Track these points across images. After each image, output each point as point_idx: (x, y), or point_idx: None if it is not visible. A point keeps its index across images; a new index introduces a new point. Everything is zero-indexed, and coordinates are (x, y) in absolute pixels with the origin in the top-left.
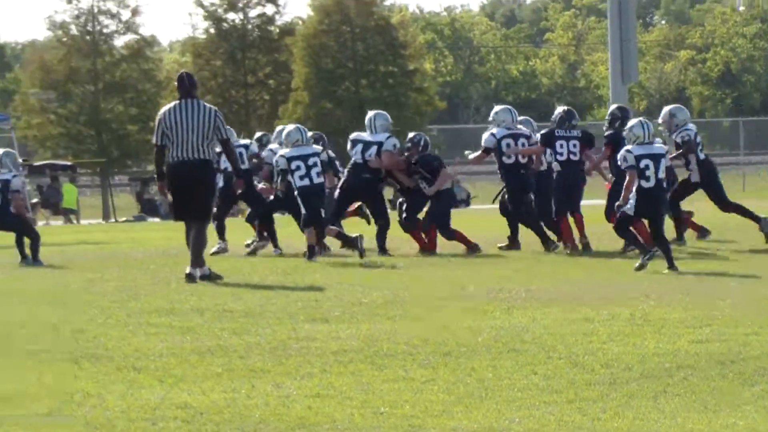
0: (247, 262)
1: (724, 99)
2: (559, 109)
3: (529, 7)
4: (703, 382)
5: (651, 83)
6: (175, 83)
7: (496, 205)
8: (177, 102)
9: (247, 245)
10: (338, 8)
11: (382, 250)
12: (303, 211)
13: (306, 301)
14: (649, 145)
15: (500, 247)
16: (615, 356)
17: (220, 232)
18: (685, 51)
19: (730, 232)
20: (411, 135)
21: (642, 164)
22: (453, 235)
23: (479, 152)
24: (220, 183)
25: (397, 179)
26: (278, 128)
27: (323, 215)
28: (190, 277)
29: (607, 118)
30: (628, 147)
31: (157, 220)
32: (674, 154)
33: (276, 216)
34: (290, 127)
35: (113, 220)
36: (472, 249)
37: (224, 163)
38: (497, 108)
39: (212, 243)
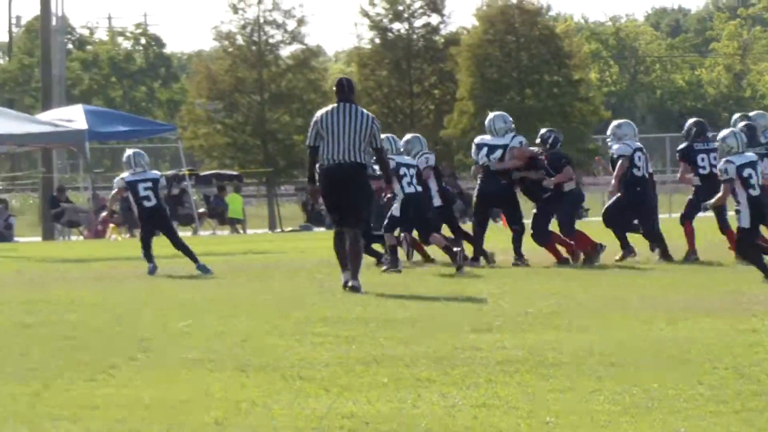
0: (412, 271)
1: None
2: (690, 122)
3: (695, 17)
4: None
5: None
6: (334, 88)
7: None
8: (334, 105)
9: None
10: (503, 18)
11: (519, 256)
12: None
13: (469, 311)
14: (743, 155)
15: (617, 260)
16: None
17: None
18: None
19: None
20: (542, 131)
21: (745, 173)
22: (549, 240)
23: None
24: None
25: (525, 175)
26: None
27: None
28: (353, 289)
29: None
30: (729, 158)
31: (323, 229)
32: None
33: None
34: (408, 136)
35: (279, 229)
36: (561, 261)
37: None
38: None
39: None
